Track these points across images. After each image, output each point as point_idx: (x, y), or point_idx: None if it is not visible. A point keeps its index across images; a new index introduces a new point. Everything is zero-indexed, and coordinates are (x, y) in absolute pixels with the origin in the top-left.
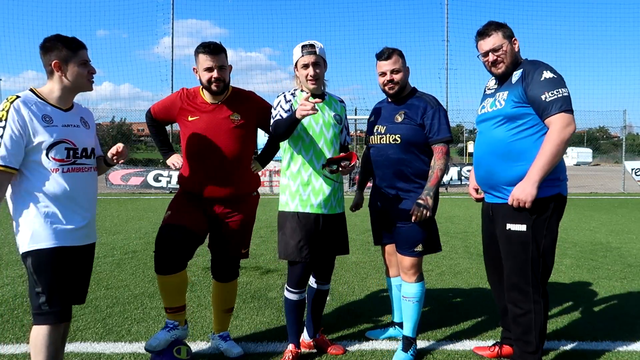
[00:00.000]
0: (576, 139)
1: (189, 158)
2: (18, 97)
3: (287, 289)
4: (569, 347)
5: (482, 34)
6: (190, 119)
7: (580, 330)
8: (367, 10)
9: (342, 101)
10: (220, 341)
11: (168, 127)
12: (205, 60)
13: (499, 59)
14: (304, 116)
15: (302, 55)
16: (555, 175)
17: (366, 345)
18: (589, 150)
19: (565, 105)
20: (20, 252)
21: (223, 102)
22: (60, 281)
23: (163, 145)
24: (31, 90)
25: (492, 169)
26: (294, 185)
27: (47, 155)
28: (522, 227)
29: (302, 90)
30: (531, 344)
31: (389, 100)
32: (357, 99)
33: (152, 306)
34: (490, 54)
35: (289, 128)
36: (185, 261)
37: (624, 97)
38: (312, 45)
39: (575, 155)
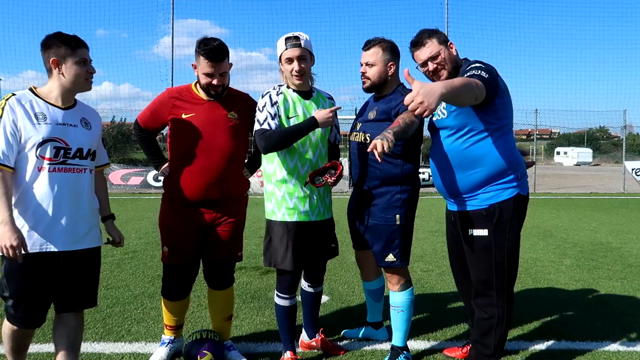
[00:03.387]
0: (576, 139)
1: (181, 158)
2: (14, 94)
3: (277, 295)
4: (568, 347)
5: (417, 43)
6: (184, 116)
7: (580, 330)
8: (367, 10)
9: (330, 97)
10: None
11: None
12: (206, 66)
13: (439, 66)
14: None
15: (286, 49)
16: (512, 175)
17: (366, 345)
18: (589, 150)
19: (476, 76)
20: None
21: (220, 100)
22: (30, 290)
23: (155, 157)
24: (31, 89)
25: (450, 180)
26: (280, 193)
27: (35, 153)
28: (484, 232)
29: (288, 87)
30: (489, 347)
31: (374, 96)
32: (357, 99)
33: (152, 306)
34: (429, 62)
35: (298, 137)
36: (190, 287)
37: (624, 97)
38: (297, 38)
39: (575, 155)
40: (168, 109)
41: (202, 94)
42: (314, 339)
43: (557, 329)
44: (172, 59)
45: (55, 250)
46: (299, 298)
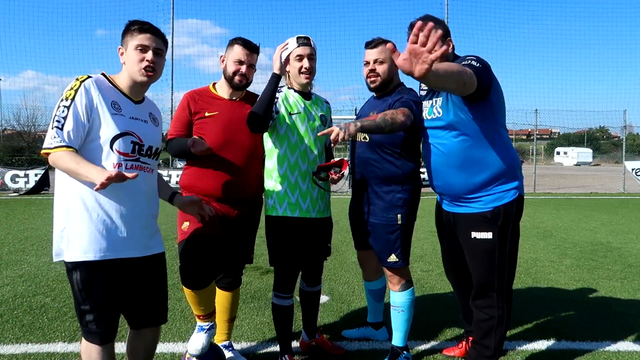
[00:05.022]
0: (576, 139)
1: (206, 156)
2: (89, 76)
3: (275, 294)
4: (569, 347)
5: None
6: (207, 114)
7: (580, 330)
8: (367, 10)
9: (327, 102)
10: (224, 351)
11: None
12: (239, 53)
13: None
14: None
15: (298, 46)
16: (513, 174)
17: (366, 345)
18: (589, 150)
19: (466, 65)
20: (65, 260)
21: (240, 100)
22: (111, 299)
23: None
24: (103, 74)
25: (451, 181)
26: (282, 188)
27: (111, 147)
28: (488, 235)
29: (289, 88)
30: (489, 349)
31: (375, 95)
32: (357, 99)
33: None
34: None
35: (268, 94)
36: (214, 273)
37: (624, 97)
38: (308, 38)
39: (575, 155)
40: (192, 110)
41: (222, 94)
42: (313, 339)
43: (557, 329)
44: (172, 59)
45: (133, 256)
46: (297, 299)
